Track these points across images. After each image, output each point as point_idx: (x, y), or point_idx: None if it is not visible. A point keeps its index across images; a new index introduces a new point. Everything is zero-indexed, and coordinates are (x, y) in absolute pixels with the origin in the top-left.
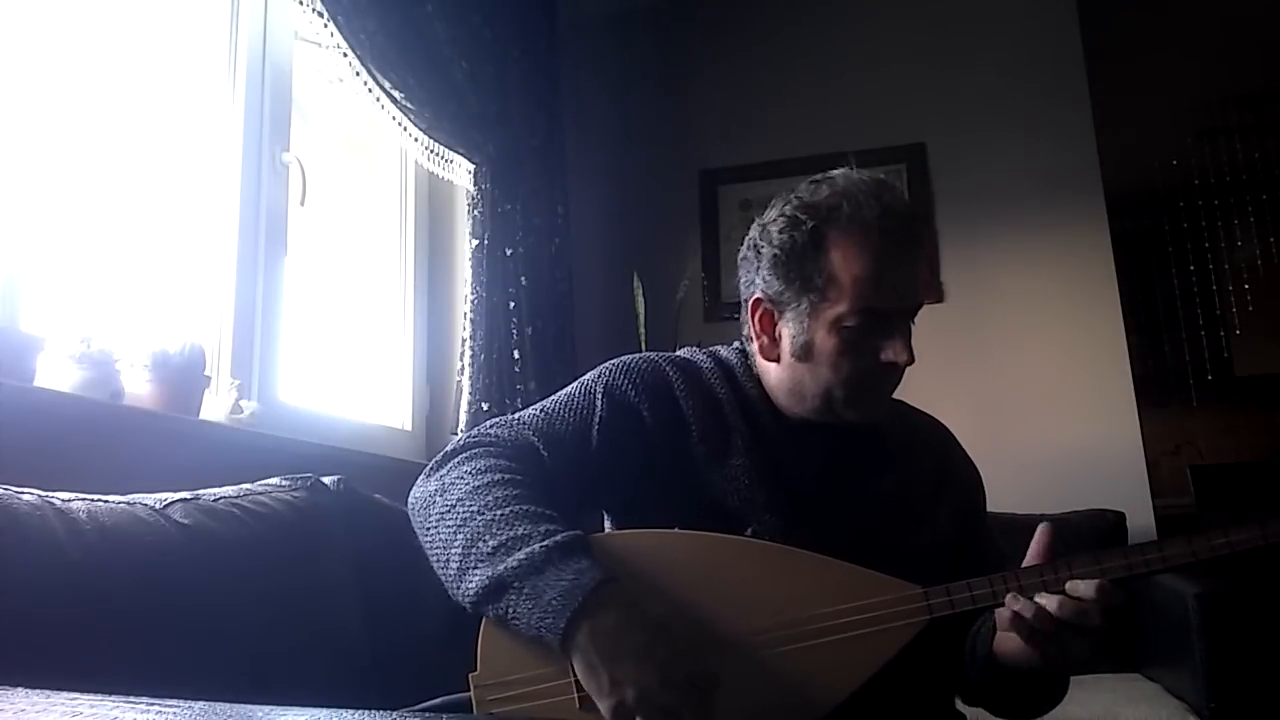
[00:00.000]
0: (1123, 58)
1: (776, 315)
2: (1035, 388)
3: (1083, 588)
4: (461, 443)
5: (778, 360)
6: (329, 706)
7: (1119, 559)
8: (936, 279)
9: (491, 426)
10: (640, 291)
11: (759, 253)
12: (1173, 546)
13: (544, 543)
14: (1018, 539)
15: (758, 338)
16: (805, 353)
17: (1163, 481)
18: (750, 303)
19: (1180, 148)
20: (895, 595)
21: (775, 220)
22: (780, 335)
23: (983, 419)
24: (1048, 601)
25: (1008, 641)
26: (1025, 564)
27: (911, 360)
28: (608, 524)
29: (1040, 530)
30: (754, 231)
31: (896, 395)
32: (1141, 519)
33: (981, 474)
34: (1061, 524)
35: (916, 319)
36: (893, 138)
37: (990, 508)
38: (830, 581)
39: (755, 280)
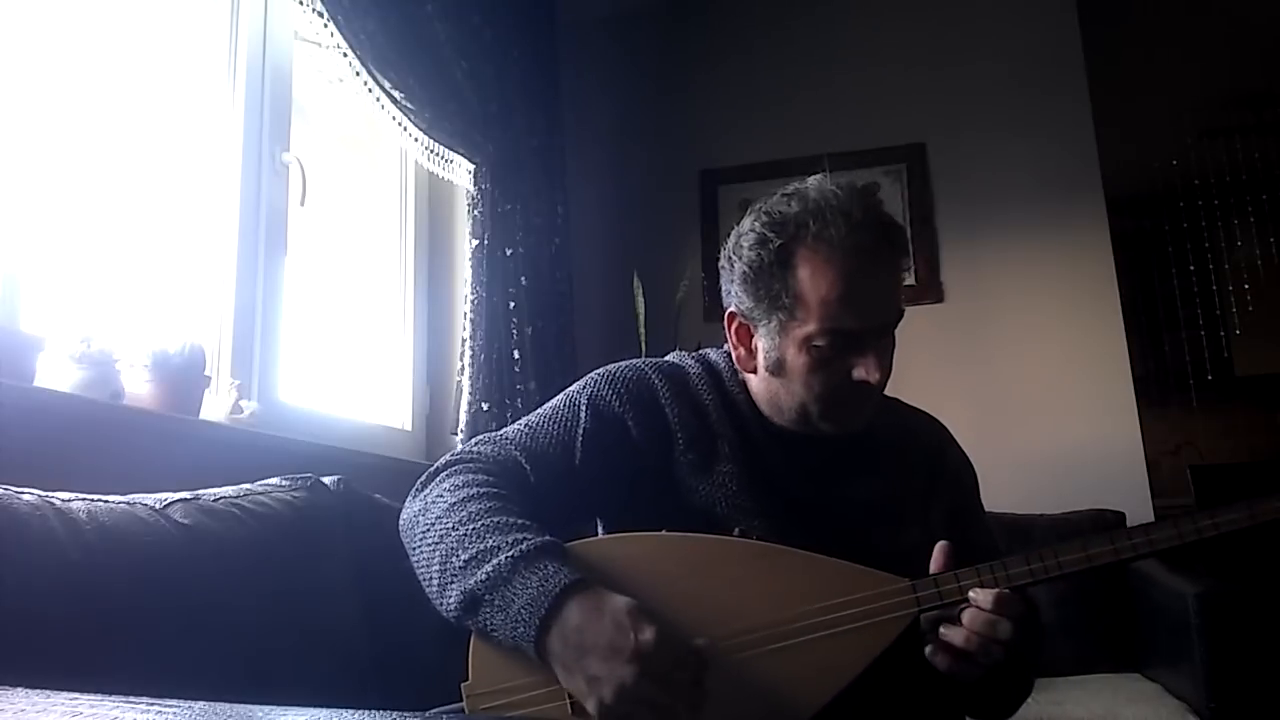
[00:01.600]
0: (1123, 57)
1: (751, 328)
2: (1035, 388)
3: (983, 599)
4: (445, 461)
5: (755, 372)
6: (329, 706)
7: (1106, 544)
8: (935, 279)
9: (476, 444)
10: (640, 291)
11: (732, 266)
12: (1159, 530)
13: (510, 553)
14: (1018, 539)
15: (735, 349)
16: (778, 368)
17: (1163, 481)
18: (726, 315)
19: (1180, 148)
20: (883, 589)
21: (747, 234)
22: (756, 348)
23: (982, 419)
24: (966, 617)
25: (931, 646)
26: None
27: (883, 379)
28: (600, 532)
29: (937, 549)
30: (730, 240)
31: (894, 393)
32: (1142, 519)
33: (982, 474)
34: (1062, 524)
35: (899, 328)
36: (893, 138)
37: (990, 508)
38: (817, 578)
39: (731, 291)
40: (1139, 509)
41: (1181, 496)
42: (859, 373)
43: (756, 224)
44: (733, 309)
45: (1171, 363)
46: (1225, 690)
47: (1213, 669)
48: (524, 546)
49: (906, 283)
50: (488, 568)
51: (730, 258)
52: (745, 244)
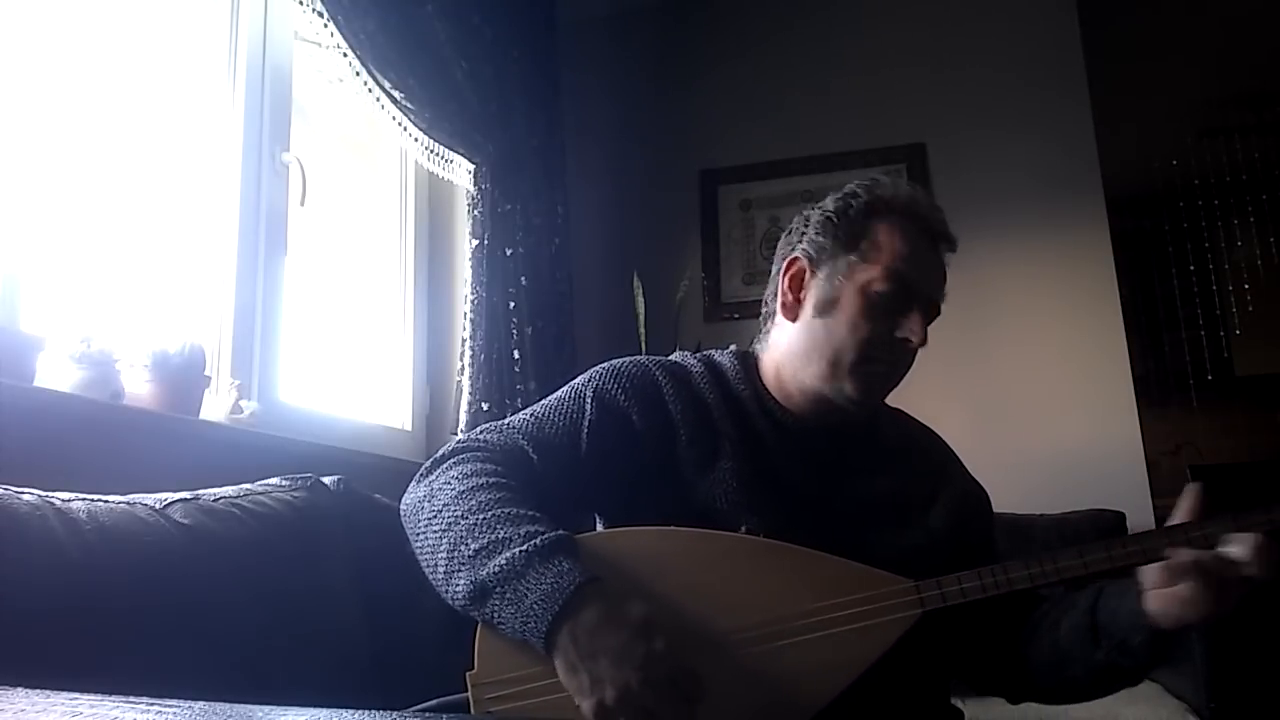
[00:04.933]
0: (1123, 57)
1: (809, 274)
2: (1035, 388)
3: (1255, 542)
4: (451, 448)
5: (796, 320)
6: (329, 706)
7: (1101, 552)
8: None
9: (482, 432)
10: (640, 291)
11: (807, 221)
12: (1150, 539)
13: (523, 546)
14: (1018, 539)
15: (782, 295)
16: (828, 308)
17: (1163, 481)
18: (786, 262)
19: (1180, 148)
20: (887, 589)
21: (829, 197)
22: (806, 294)
23: (982, 419)
24: (1238, 550)
25: (1165, 599)
26: (1170, 522)
27: (924, 341)
28: (599, 526)
29: (1188, 489)
30: (803, 213)
31: (895, 402)
32: (1141, 519)
33: (982, 474)
34: (1061, 524)
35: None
36: (893, 138)
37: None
38: (822, 577)
39: (798, 244)
40: (1139, 509)
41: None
42: (903, 330)
43: (845, 188)
44: (796, 254)
45: (1171, 363)
46: (1225, 690)
47: (1213, 669)
48: (537, 541)
49: None
50: (500, 560)
51: (805, 217)
52: (829, 200)
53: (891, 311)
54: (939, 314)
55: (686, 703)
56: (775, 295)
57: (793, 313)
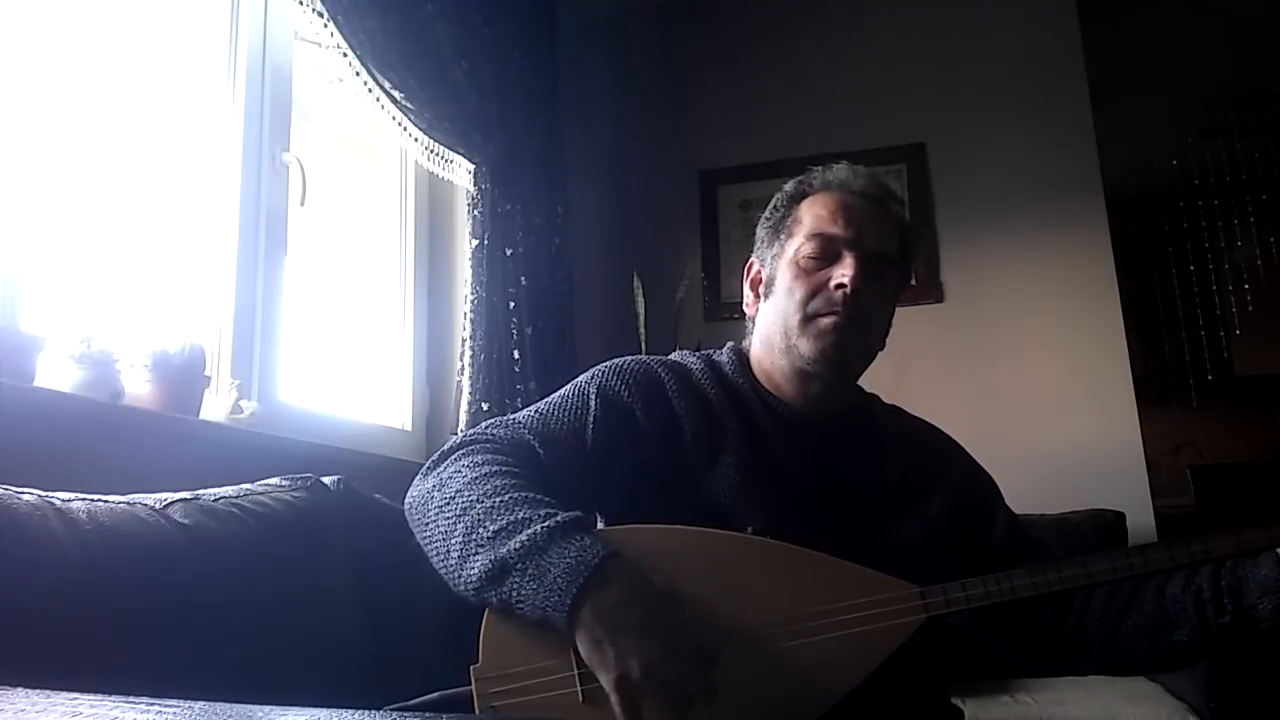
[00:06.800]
0: (1123, 57)
1: (760, 271)
2: (1035, 388)
3: None
4: (458, 441)
5: (756, 314)
6: (329, 706)
7: (1104, 563)
8: (935, 279)
9: (487, 427)
10: (640, 291)
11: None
12: (1155, 552)
13: (545, 524)
14: None
15: (745, 297)
16: (769, 288)
17: (1163, 481)
18: (746, 267)
19: (1180, 148)
20: (893, 594)
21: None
22: (760, 289)
23: (983, 419)
24: None
25: None
26: None
27: (857, 283)
28: (599, 524)
29: None
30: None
31: (897, 402)
32: (1141, 519)
33: None
34: (1061, 524)
35: (899, 328)
36: (893, 138)
37: None
38: (830, 579)
39: (754, 249)
40: (1139, 509)
41: (1181, 496)
42: (836, 277)
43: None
44: (751, 259)
45: (1171, 363)
46: (1225, 690)
47: (1213, 669)
48: (558, 519)
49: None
50: (521, 537)
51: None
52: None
53: (823, 268)
54: (903, 275)
55: (708, 676)
56: (746, 298)
57: (754, 310)
